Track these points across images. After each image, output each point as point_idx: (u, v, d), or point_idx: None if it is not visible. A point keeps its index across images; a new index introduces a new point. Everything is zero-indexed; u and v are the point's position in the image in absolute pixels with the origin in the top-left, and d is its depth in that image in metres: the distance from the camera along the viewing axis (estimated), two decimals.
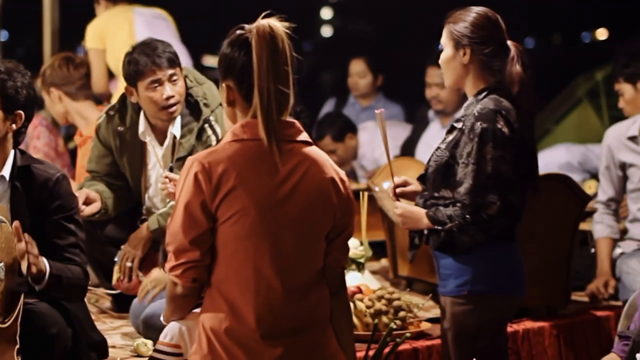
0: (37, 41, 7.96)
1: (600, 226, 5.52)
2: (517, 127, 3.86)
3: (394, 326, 4.09)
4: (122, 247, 4.95)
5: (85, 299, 4.10)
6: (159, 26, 6.70)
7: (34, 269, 3.60)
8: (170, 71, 4.78)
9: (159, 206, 4.99)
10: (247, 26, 3.26)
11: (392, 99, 8.50)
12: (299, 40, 3.26)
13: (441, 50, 4.01)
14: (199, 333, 3.25)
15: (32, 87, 3.92)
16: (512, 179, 3.84)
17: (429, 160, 3.98)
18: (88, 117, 6.01)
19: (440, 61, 4.01)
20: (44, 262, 3.67)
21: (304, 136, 3.29)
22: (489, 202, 3.79)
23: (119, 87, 6.46)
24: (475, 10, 3.96)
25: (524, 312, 4.95)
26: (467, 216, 3.80)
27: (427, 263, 4.81)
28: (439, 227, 3.86)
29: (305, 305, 3.26)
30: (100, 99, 6.49)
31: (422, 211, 3.91)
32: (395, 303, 4.63)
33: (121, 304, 5.03)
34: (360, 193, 5.35)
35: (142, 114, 4.90)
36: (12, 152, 3.89)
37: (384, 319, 4.56)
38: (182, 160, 4.67)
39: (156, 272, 4.61)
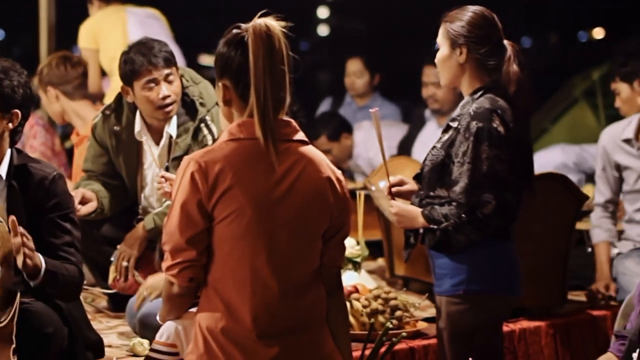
0: (34, 40, 7.94)
1: (598, 230, 5.50)
2: (513, 126, 3.86)
3: (391, 325, 4.10)
4: (118, 246, 4.95)
5: (82, 298, 4.10)
6: (152, 26, 6.70)
7: (29, 263, 3.59)
8: (167, 71, 4.78)
9: (155, 206, 4.98)
10: (243, 25, 3.26)
11: (388, 98, 8.50)
12: (295, 40, 3.25)
13: (437, 50, 4.01)
14: (195, 332, 3.25)
15: (28, 86, 3.91)
16: (507, 178, 3.84)
17: (425, 159, 3.98)
18: (85, 116, 6.00)
19: (436, 60, 4.00)
20: (40, 258, 3.66)
21: (300, 135, 3.29)
22: (485, 201, 3.79)
23: (112, 86, 6.45)
24: (471, 10, 3.96)
25: (521, 311, 4.95)
26: (463, 215, 3.80)
27: (424, 262, 4.80)
28: (435, 226, 3.86)
29: (302, 305, 3.25)
30: (93, 99, 6.48)
31: (417, 210, 3.91)
32: (392, 302, 4.63)
33: (117, 304, 5.02)
34: (357, 192, 5.35)
35: (138, 113, 4.90)
36: (8, 151, 3.89)
37: (381, 318, 4.55)
38: (178, 159, 4.67)
39: (151, 279, 4.59)
